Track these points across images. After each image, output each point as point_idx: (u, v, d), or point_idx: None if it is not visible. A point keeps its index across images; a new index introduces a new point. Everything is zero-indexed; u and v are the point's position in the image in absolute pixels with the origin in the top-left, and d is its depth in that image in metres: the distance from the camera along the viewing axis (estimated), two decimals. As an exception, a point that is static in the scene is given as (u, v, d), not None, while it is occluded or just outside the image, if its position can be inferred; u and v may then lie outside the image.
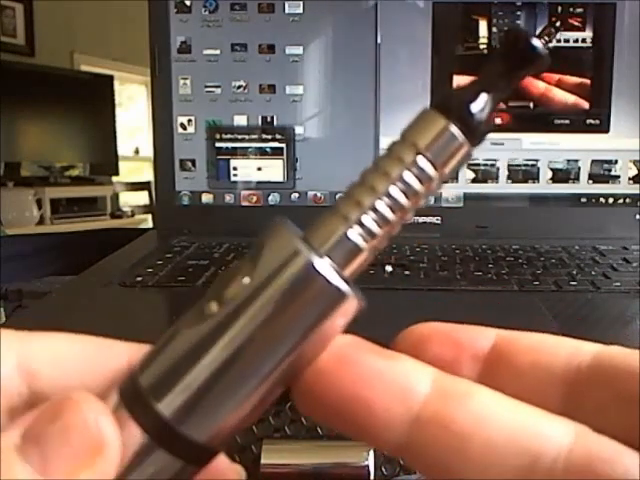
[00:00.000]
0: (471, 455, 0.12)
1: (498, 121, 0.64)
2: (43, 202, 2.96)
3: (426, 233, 0.62)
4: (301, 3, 0.64)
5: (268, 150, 0.66)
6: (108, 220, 3.14)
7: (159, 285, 0.46)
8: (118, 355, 0.16)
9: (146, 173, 3.86)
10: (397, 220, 0.14)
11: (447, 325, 0.15)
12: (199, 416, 0.14)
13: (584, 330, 0.38)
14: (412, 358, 0.14)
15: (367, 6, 0.64)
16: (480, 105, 0.14)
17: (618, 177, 0.65)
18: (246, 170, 0.66)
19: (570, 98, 0.64)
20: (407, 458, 0.13)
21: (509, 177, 0.65)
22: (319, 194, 0.65)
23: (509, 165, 0.65)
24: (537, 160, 0.65)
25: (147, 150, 3.73)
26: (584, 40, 0.64)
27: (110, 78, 3.48)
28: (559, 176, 0.65)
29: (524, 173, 0.65)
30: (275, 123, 0.65)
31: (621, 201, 0.65)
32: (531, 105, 0.64)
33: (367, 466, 0.27)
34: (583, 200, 0.65)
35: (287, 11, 0.64)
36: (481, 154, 0.65)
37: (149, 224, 2.99)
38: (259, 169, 0.66)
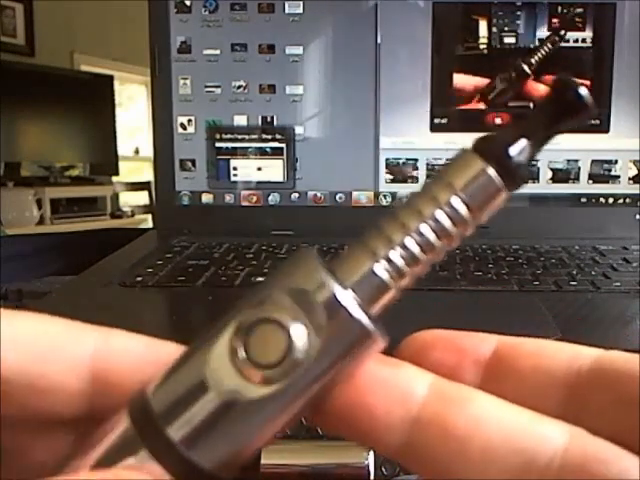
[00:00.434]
0: (470, 456, 0.12)
1: (498, 121, 0.64)
2: (43, 202, 2.96)
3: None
4: (301, 3, 0.64)
5: (268, 150, 0.66)
6: (108, 220, 3.14)
7: (159, 285, 0.46)
8: (83, 341, 0.16)
9: (146, 173, 3.86)
10: (426, 260, 0.14)
11: (449, 332, 0.15)
12: (210, 445, 0.13)
13: (584, 330, 0.38)
14: (413, 365, 0.14)
15: (367, 6, 0.64)
16: (518, 149, 0.13)
17: (618, 177, 0.65)
18: (246, 170, 0.66)
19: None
20: (408, 461, 0.13)
21: (509, 177, 0.65)
22: (319, 194, 0.65)
23: (509, 165, 0.65)
24: (537, 160, 0.65)
25: (147, 150, 3.73)
26: (584, 40, 0.64)
27: (110, 78, 3.48)
28: (559, 176, 0.65)
29: (524, 173, 0.65)
30: (275, 123, 0.65)
31: (621, 201, 0.65)
32: (531, 105, 0.64)
33: (367, 466, 0.27)
34: (583, 200, 0.65)
35: (287, 11, 0.64)
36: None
37: (149, 224, 2.99)
38: (259, 169, 0.66)
